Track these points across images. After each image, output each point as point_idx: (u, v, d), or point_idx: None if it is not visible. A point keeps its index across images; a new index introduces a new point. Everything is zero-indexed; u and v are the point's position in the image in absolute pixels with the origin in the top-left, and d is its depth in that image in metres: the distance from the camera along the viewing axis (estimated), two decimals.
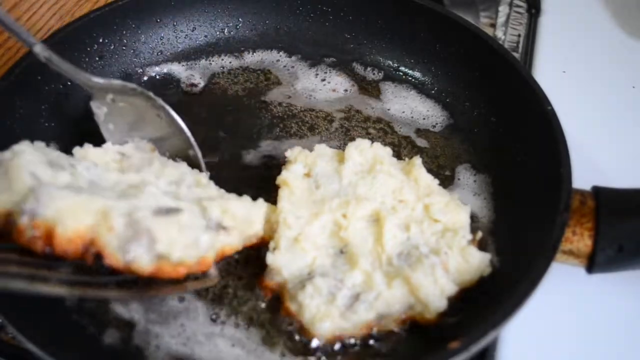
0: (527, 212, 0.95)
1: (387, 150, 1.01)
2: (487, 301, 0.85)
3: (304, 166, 0.99)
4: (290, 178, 0.96)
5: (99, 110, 1.03)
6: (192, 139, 1.04)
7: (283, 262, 0.88)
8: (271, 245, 0.90)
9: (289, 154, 1.01)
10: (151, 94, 1.02)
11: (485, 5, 1.55)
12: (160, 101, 1.03)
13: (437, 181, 0.99)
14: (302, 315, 0.85)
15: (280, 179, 0.97)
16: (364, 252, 0.89)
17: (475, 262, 0.89)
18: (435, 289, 0.86)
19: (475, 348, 0.75)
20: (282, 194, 0.95)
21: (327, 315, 0.84)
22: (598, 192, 0.89)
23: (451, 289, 0.87)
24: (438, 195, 0.96)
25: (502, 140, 1.08)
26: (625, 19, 1.53)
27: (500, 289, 0.85)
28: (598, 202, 0.87)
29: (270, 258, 0.88)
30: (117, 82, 1.03)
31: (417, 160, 1.00)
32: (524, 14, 1.52)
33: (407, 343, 0.86)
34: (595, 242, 0.85)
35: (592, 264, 0.86)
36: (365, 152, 1.00)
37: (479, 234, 0.96)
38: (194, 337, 0.87)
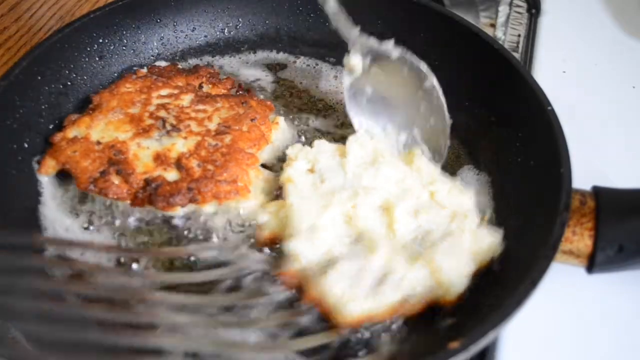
0: (527, 212, 0.95)
1: (387, 143, 1.03)
2: (487, 301, 0.85)
3: (307, 162, 0.99)
4: (295, 175, 0.96)
5: (349, 75, 1.05)
6: (448, 126, 1.02)
7: (301, 249, 0.88)
8: (287, 233, 0.90)
9: (289, 151, 1.01)
10: (423, 65, 1.02)
11: (485, 5, 1.55)
12: (433, 78, 1.01)
13: (438, 168, 1.00)
14: (328, 300, 0.84)
15: (284, 177, 0.97)
16: (380, 238, 0.90)
17: (487, 242, 0.90)
18: (455, 269, 0.87)
19: (475, 348, 0.75)
20: (289, 190, 0.95)
21: (353, 298, 0.83)
22: (598, 192, 0.89)
23: (469, 268, 0.88)
24: (441, 182, 0.97)
25: (502, 140, 1.08)
26: (625, 19, 1.53)
27: (501, 288, 0.85)
28: (598, 202, 0.87)
29: (289, 245, 0.88)
30: (385, 46, 1.03)
31: (417, 150, 1.02)
32: (524, 14, 1.53)
33: (407, 343, 0.86)
34: (595, 242, 0.85)
35: (592, 264, 0.86)
36: (365, 145, 1.01)
37: (488, 213, 0.98)
38: None
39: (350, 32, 1.04)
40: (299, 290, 0.88)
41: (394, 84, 1.06)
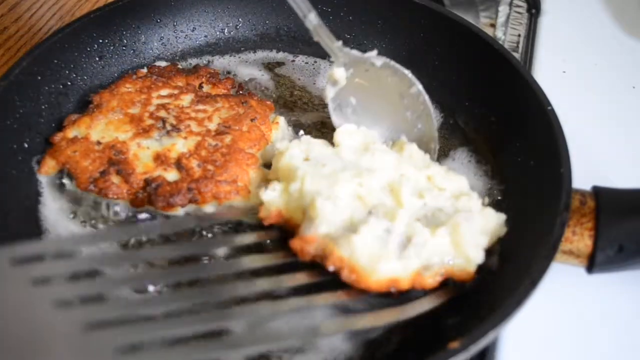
0: (527, 212, 0.95)
1: (374, 134, 1.03)
2: (487, 301, 0.85)
3: (300, 152, 0.97)
4: (294, 160, 0.95)
5: (333, 87, 1.05)
6: (436, 131, 1.03)
7: (327, 210, 0.86)
8: (309, 197, 0.89)
9: (279, 145, 1.00)
10: (407, 72, 1.02)
11: (485, 5, 1.55)
12: (418, 84, 1.02)
13: (428, 155, 1.01)
14: (358, 259, 0.82)
15: (283, 164, 0.95)
16: (395, 209, 0.89)
17: (494, 221, 0.91)
18: (474, 240, 0.87)
19: (475, 348, 0.75)
20: (294, 167, 0.93)
21: (384, 257, 0.83)
22: (598, 192, 0.89)
23: (484, 241, 0.88)
24: (436, 167, 0.98)
25: (502, 140, 1.08)
26: (625, 19, 1.53)
27: (500, 289, 0.85)
28: (598, 202, 0.87)
29: (319, 203, 0.86)
30: (367, 55, 1.04)
31: (405, 138, 1.03)
32: (524, 14, 1.53)
33: (407, 343, 0.86)
34: (595, 242, 0.85)
35: (592, 264, 0.86)
36: (354, 135, 1.01)
37: (486, 200, 0.99)
38: None
39: (332, 44, 1.04)
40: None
41: (378, 92, 1.06)
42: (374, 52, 1.05)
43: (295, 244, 0.86)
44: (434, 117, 1.04)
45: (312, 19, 1.01)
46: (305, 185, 0.90)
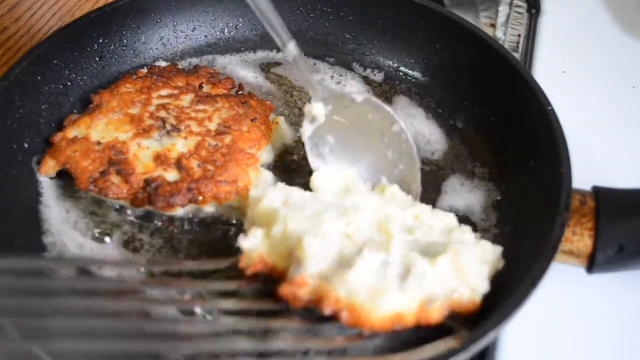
0: (527, 212, 0.95)
1: (354, 172, 0.99)
2: (488, 301, 0.85)
3: (279, 196, 0.92)
4: (273, 204, 0.89)
5: (311, 124, 0.99)
6: (419, 172, 0.96)
7: (315, 248, 0.81)
8: (294, 237, 0.83)
9: (252, 194, 0.94)
10: (389, 108, 0.97)
11: (485, 5, 1.55)
12: (400, 121, 0.96)
13: (410, 196, 0.97)
14: (357, 296, 0.77)
15: (262, 210, 0.89)
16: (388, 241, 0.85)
17: (490, 253, 0.87)
18: (477, 268, 0.83)
19: (475, 348, 0.75)
20: (274, 211, 0.88)
21: (384, 291, 0.77)
22: (598, 192, 0.89)
23: (486, 270, 0.84)
24: (421, 205, 0.93)
25: (502, 140, 1.08)
26: (625, 19, 1.53)
27: (501, 289, 0.85)
28: (598, 202, 0.87)
29: (306, 241, 0.81)
30: (347, 90, 0.97)
31: (385, 180, 0.99)
32: (524, 14, 1.53)
33: (407, 344, 0.86)
34: (595, 242, 0.85)
35: (592, 264, 0.86)
36: (333, 177, 0.97)
37: (478, 235, 0.96)
38: None
39: (311, 77, 0.99)
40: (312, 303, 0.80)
41: (358, 130, 1.00)
42: (354, 88, 1.00)
43: (284, 290, 0.79)
44: (417, 157, 0.99)
45: (291, 49, 0.96)
46: (289, 226, 0.84)
